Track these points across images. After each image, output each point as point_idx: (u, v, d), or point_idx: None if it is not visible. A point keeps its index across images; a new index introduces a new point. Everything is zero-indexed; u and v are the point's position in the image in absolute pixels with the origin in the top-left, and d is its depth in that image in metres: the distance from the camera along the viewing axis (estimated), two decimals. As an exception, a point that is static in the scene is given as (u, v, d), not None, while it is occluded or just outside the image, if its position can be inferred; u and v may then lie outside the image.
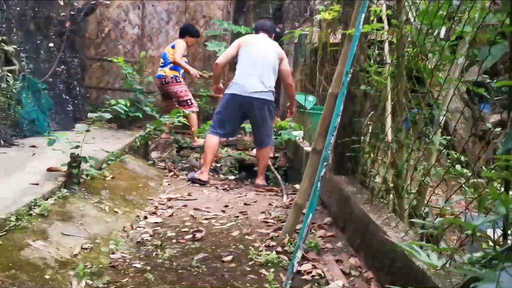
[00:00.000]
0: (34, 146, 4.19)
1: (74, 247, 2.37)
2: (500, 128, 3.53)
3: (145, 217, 3.21)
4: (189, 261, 2.46)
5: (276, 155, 5.92)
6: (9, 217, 2.31)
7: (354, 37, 2.29)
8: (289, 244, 2.67)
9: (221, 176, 5.13)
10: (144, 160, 4.96)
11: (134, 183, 3.91)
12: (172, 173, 4.70)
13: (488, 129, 4.32)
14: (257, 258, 2.50)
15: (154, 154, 5.52)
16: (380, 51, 2.84)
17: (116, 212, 3.10)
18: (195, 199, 3.81)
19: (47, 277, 2.02)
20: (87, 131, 3.36)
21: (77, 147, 3.27)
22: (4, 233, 2.21)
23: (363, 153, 3.09)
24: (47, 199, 2.83)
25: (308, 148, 4.67)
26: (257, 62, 4.38)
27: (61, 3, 5.92)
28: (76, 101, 6.39)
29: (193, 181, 4.36)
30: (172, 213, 3.33)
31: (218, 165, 5.51)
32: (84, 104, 6.86)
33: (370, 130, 3.10)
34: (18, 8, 4.83)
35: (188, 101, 5.84)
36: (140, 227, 3.01)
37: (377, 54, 2.83)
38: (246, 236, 2.91)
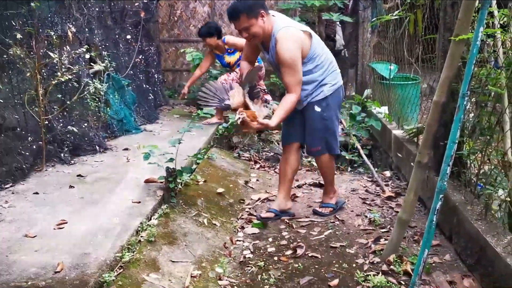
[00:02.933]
0: (126, 149, 4.35)
1: (185, 277, 2.45)
2: None
3: (242, 227, 3.24)
4: (295, 286, 2.46)
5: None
6: (124, 254, 2.41)
7: (472, 48, 2.03)
8: (395, 262, 2.57)
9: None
10: (228, 152, 4.99)
11: (225, 183, 3.95)
12: (258, 165, 4.70)
13: None
14: (365, 283, 2.44)
15: (235, 139, 5.53)
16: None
17: (215, 224, 3.16)
18: (285, 198, 3.79)
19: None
20: (179, 142, 3.37)
21: (171, 160, 3.33)
22: (121, 270, 2.32)
23: (469, 156, 2.86)
24: (150, 219, 2.93)
25: (397, 131, 4.43)
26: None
27: (134, -8, 5.93)
28: (155, 88, 6.51)
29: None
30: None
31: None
32: (162, 89, 7.00)
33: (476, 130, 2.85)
34: (97, 9, 4.88)
35: None
36: (239, 240, 3.05)
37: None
38: (347, 250, 2.85)
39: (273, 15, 3.04)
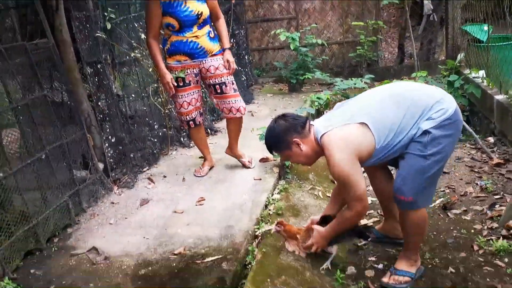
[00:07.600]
0: (233, 131, 4.71)
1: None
2: None
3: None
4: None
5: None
6: (260, 225, 2.75)
7: None
8: (517, 227, 2.68)
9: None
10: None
11: (329, 157, 4.18)
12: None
13: None
14: (487, 247, 2.58)
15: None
16: None
17: (329, 197, 3.40)
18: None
19: (307, 279, 2.41)
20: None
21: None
22: (261, 239, 2.66)
23: None
24: (273, 194, 3.26)
25: (499, 97, 4.35)
26: None
27: (223, -20, 6.21)
28: (246, 69, 6.84)
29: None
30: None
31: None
32: (252, 69, 7.31)
33: None
34: None
35: None
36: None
37: None
38: (463, 217, 2.98)
39: (313, 124, 2.36)
